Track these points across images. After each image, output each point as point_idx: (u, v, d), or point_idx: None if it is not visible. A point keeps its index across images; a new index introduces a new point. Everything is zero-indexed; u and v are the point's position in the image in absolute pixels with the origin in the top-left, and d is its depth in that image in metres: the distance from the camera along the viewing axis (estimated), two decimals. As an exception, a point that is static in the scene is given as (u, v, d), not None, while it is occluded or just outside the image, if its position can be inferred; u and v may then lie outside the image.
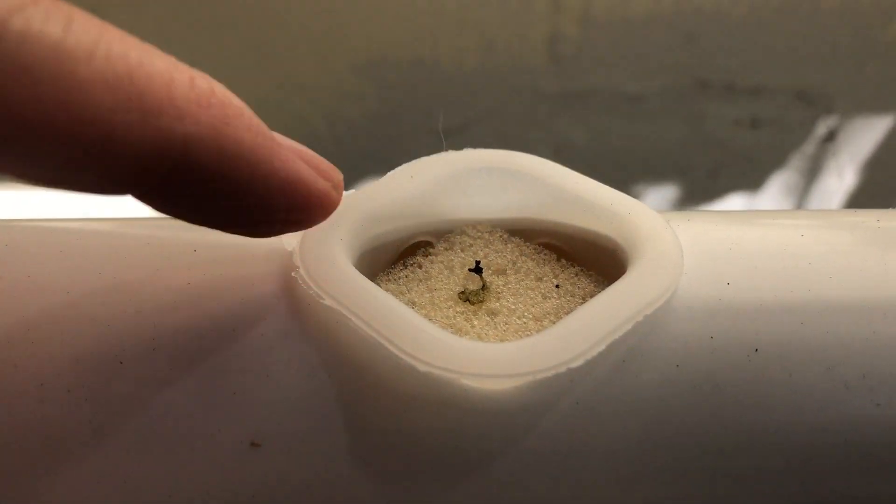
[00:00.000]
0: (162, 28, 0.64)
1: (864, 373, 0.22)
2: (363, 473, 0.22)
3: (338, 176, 0.22)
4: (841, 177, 0.76)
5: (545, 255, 0.26)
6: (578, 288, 0.25)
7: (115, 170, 0.17)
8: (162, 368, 0.22)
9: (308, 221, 0.21)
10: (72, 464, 0.21)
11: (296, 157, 0.20)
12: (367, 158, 0.70)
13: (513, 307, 0.25)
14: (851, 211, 0.27)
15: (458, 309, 0.24)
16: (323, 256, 0.23)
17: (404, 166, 0.26)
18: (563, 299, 0.25)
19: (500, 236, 0.27)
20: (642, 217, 0.25)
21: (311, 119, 0.69)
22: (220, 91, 0.18)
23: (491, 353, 0.21)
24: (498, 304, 0.25)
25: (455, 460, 0.22)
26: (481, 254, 0.26)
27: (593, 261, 0.26)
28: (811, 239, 0.25)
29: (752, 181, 0.76)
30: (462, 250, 0.26)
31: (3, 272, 0.24)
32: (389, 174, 0.26)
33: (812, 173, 0.76)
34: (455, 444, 0.22)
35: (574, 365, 0.21)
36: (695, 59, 0.69)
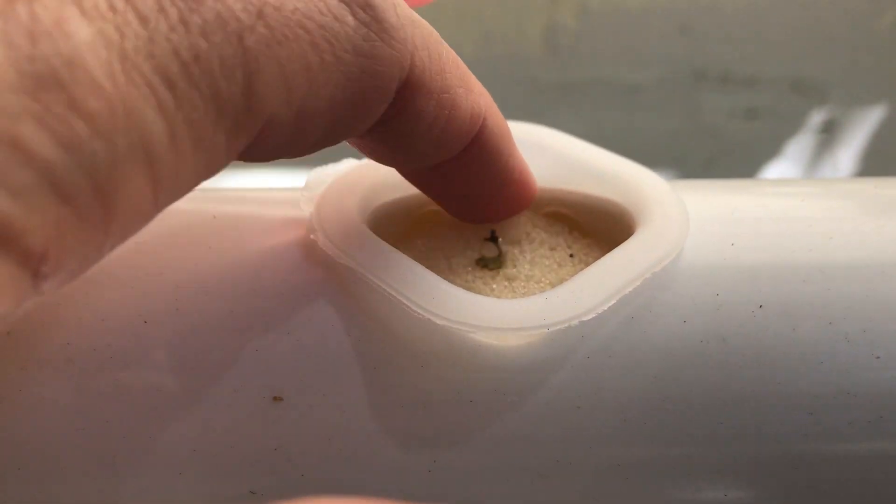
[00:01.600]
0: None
1: (864, 327, 0.23)
2: (381, 427, 0.22)
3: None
4: (836, 166, 0.77)
5: (557, 227, 0.27)
6: (591, 258, 0.26)
7: (447, 134, 0.22)
8: (185, 327, 0.23)
9: (516, 211, 0.26)
10: (98, 422, 0.22)
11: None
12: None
13: (529, 273, 0.25)
14: (850, 178, 0.28)
15: (476, 274, 0.25)
16: (340, 220, 0.23)
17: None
18: (577, 267, 0.25)
19: None
20: (648, 182, 0.25)
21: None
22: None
23: (505, 307, 0.22)
24: (515, 270, 0.25)
25: (470, 414, 0.22)
26: (495, 224, 0.27)
27: (601, 227, 0.27)
28: (811, 204, 0.26)
29: (747, 171, 0.77)
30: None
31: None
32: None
33: (807, 163, 0.77)
34: (470, 398, 0.22)
35: (586, 318, 0.21)
36: (691, 50, 0.70)
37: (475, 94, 0.22)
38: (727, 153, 0.76)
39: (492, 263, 0.25)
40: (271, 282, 0.23)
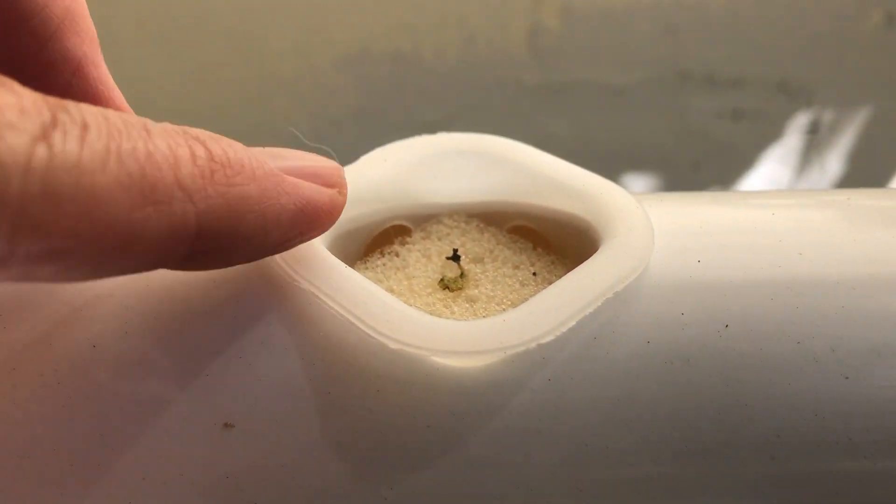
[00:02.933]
0: (142, 27, 0.64)
1: (832, 346, 0.22)
2: (336, 454, 0.22)
3: (339, 173, 0.23)
4: (823, 167, 0.76)
5: (521, 244, 0.27)
6: (555, 276, 0.25)
7: (139, 260, 0.18)
8: (135, 351, 0.22)
9: (320, 231, 0.22)
10: (44, 448, 0.21)
11: (298, 178, 0.21)
12: (349, 153, 0.70)
13: (491, 294, 0.25)
14: (822, 190, 0.27)
15: (437, 296, 0.25)
16: (295, 238, 0.23)
17: (378, 150, 0.26)
18: (540, 286, 0.25)
19: (477, 225, 0.27)
20: (613, 197, 0.25)
21: (292, 115, 0.69)
22: (217, 150, 0.19)
23: (461, 329, 0.21)
24: (476, 290, 0.25)
25: (428, 439, 0.22)
26: (458, 242, 0.26)
27: (567, 241, 0.26)
28: (781, 217, 0.26)
29: (734, 173, 0.77)
30: (439, 239, 0.26)
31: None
32: (363, 158, 0.26)
33: (795, 164, 0.76)
34: (427, 423, 0.22)
35: (544, 341, 0.21)
36: (675, 52, 0.70)
37: (175, 203, 0.18)
38: (714, 155, 0.76)
39: (453, 284, 0.25)
40: (224, 304, 0.23)
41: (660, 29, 0.68)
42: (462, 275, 0.25)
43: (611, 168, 0.74)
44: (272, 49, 0.66)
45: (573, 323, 0.21)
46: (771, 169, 0.76)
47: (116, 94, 0.24)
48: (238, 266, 0.23)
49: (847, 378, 0.22)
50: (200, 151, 0.18)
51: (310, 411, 0.22)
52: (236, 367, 0.22)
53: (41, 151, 0.15)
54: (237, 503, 0.22)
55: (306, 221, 0.21)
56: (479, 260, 0.26)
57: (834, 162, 0.75)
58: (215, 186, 0.18)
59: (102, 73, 0.24)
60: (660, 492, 0.23)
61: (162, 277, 0.23)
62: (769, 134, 0.75)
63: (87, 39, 0.23)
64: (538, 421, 0.22)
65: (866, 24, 0.69)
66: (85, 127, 0.16)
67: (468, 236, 0.26)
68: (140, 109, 0.63)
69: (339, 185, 0.22)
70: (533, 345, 0.21)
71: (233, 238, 0.19)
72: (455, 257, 0.25)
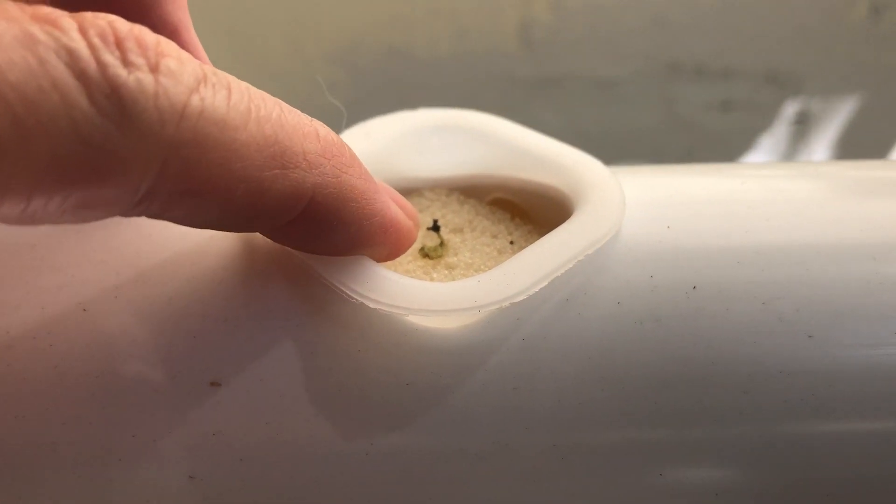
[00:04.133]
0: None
1: (798, 307, 0.23)
2: (321, 412, 0.23)
3: (414, 212, 0.25)
4: (811, 156, 0.77)
5: (500, 215, 0.27)
6: (531, 244, 0.26)
7: (257, 216, 0.19)
8: (124, 314, 0.23)
9: (392, 252, 0.24)
10: (37, 407, 0.22)
11: (389, 198, 0.23)
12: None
13: (469, 261, 0.25)
14: (792, 163, 0.28)
15: (417, 263, 0.25)
16: (279, 206, 0.24)
17: (360, 125, 0.27)
18: (517, 254, 0.26)
19: (457, 198, 0.28)
20: (587, 167, 0.26)
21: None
22: (336, 140, 0.21)
23: (438, 290, 0.22)
24: (455, 258, 0.26)
25: (408, 397, 0.23)
26: (439, 214, 0.27)
27: (544, 212, 0.27)
28: (752, 186, 0.26)
29: (723, 162, 0.77)
30: (420, 211, 0.27)
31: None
32: (346, 132, 0.27)
33: (783, 153, 0.77)
34: (407, 381, 0.23)
35: (517, 300, 0.22)
36: (665, 43, 0.70)
37: (298, 171, 0.19)
38: (704, 145, 0.76)
39: (433, 252, 0.25)
40: (210, 269, 0.24)
41: (650, 21, 0.69)
42: (442, 244, 0.26)
43: (601, 158, 0.75)
44: (264, 43, 0.67)
45: (545, 283, 0.22)
46: (760, 158, 0.77)
47: (206, 58, 0.25)
48: (223, 234, 0.24)
49: (811, 337, 0.23)
50: (323, 132, 0.20)
51: (294, 370, 0.23)
52: (222, 328, 0.23)
53: (195, 101, 0.17)
54: (224, 459, 0.22)
55: (388, 235, 0.23)
56: (458, 230, 0.27)
57: (822, 151, 0.76)
58: (332, 167, 0.20)
59: (194, 37, 0.25)
60: (633, 448, 0.23)
61: (151, 244, 0.24)
62: (758, 124, 0.75)
63: (180, 5, 0.24)
64: (514, 379, 0.23)
65: (853, 15, 0.69)
66: (229, 88, 0.18)
67: (448, 208, 0.27)
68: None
69: (416, 222, 0.24)
70: (506, 303, 0.21)
71: (333, 219, 0.21)
72: (435, 227, 0.26)
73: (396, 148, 0.27)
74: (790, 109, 0.74)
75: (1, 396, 0.22)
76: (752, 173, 0.28)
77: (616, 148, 0.76)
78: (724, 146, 0.77)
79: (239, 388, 0.22)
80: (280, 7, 0.65)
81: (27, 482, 0.22)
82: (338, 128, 0.27)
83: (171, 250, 0.24)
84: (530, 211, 0.27)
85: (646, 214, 0.25)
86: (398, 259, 0.25)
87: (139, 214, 0.18)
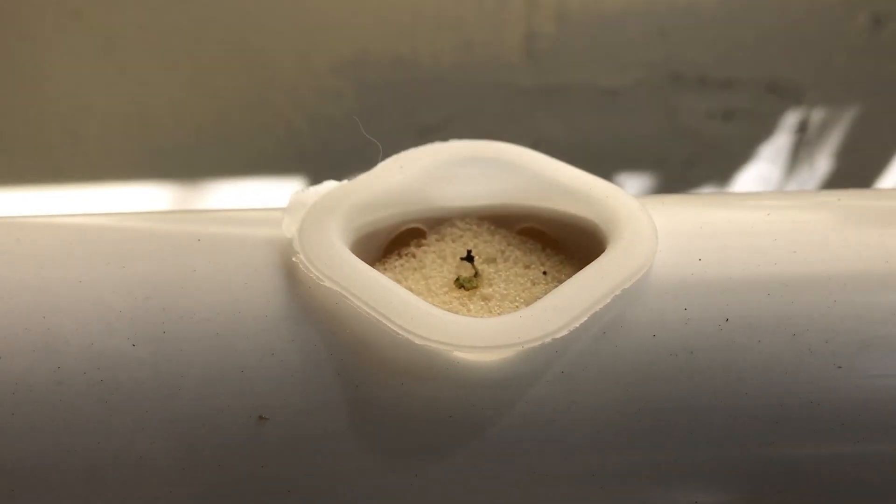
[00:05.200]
0: (143, 29, 0.65)
1: (826, 338, 0.24)
2: (364, 444, 0.23)
3: None
4: (812, 165, 0.78)
5: (531, 244, 0.28)
6: (564, 275, 0.27)
7: None
8: (172, 350, 0.23)
9: None
10: (88, 442, 0.23)
11: None
12: (348, 156, 0.71)
13: (504, 292, 0.26)
14: (814, 192, 0.29)
15: (453, 294, 0.26)
16: (321, 242, 0.24)
17: (393, 157, 0.27)
18: (550, 285, 0.26)
19: (488, 227, 0.28)
20: (619, 200, 0.26)
21: (292, 118, 0.70)
22: None
23: (481, 326, 0.22)
24: (490, 289, 0.26)
25: (450, 430, 0.23)
26: (471, 244, 0.28)
27: (574, 242, 0.27)
28: (776, 217, 0.27)
29: (726, 171, 0.78)
30: (453, 241, 0.28)
31: (16, 265, 0.25)
32: (380, 165, 0.27)
33: (784, 163, 0.78)
34: (449, 415, 0.23)
35: (558, 335, 0.22)
36: (668, 54, 0.71)
37: None
38: (705, 154, 0.77)
39: (468, 283, 0.26)
40: (256, 304, 0.24)
41: (652, 32, 0.70)
42: (476, 274, 0.26)
43: (605, 167, 0.76)
44: (271, 54, 0.67)
45: (585, 318, 0.23)
46: (761, 167, 0.77)
47: None
48: (267, 269, 0.25)
49: (840, 368, 0.24)
50: None
51: (339, 404, 0.23)
52: (269, 362, 0.23)
53: None
54: (273, 491, 0.23)
55: None
56: (491, 260, 0.27)
57: (823, 160, 0.77)
58: None
59: None
60: (667, 476, 0.24)
61: (195, 280, 0.25)
62: (760, 133, 0.76)
63: None
64: (552, 411, 0.23)
65: (854, 26, 0.70)
66: None
67: (480, 238, 0.28)
68: (141, 114, 0.64)
69: None
70: (548, 339, 0.22)
71: None
72: (469, 258, 0.27)
73: (428, 179, 0.27)
74: (791, 119, 0.75)
75: (54, 429, 0.23)
76: (776, 204, 0.29)
77: (618, 156, 0.76)
78: (726, 155, 0.77)
79: (286, 421, 0.23)
80: (287, 19, 0.66)
81: (80, 515, 0.23)
82: (373, 161, 0.28)
83: (217, 286, 0.24)
84: (560, 240, 0.28)
85: (676, 247, 0.26)
86: (434, 290, 0.26)
87: None
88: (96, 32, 0.64)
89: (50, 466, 0.23)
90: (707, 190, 0.77)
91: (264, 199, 0.72)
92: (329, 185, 0.27)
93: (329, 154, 0.75)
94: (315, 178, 0.70)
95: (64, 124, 0.69)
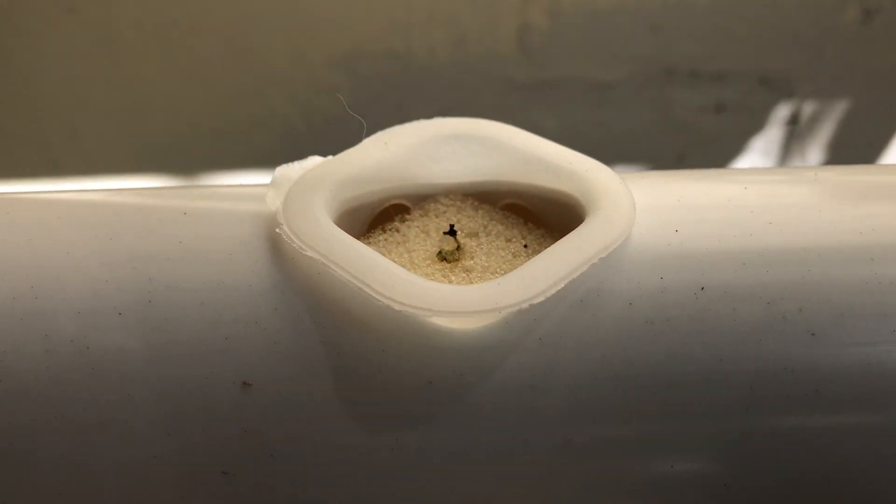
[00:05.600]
0: (139, 25, 0.65)
1: (800, 307, 0.24)
2: (347, 410, 0.24)
3: None
4: (804, 158, 0.78)
5: (513, 219, 0.28)
6: (544, 247, 0.27)
7: None
8: (158, 318, 0.24)
9: None
10: (75, 408, 0.23)
11: None
12: (343, 148, 0.72)
13: (486, 265, 0.27)
14: (792, 168, 0.29)
15: (436, 267, 0.26)
16: (305, 213, 0.25)
17: (378, 134, 0.28)
18: (531, 257, 0.27)
19: (472, 203, 0.29)
20: (598, 174, 0.27)
21: (287, 113, 0.70)
22: None
23: (460, 292, 0.23)
24: (472, 262, 0.27)
25: (430, 395, 0.24)
26: (454, 219, 0.28)
27: (556, 217, 0.28)
28: (753, 192, 0.28)
29: (718, 164, 0.79)
30: (436, 216, 0.28)
31: (5, 238, 0.25)
32: (365, 141, 0.28)
33: (777, 155, 0.78)
34: (430, 380, 0.24)
35: (535, 301, 0.23)
36: (660, 48, 0.71)
37: None
38: (698, 147, 0.78)
39: (450, 256, 0.26)
40: (240, 274, 0.25)
41: (645, 26, 0.70)
42: (458, 248, 0.27)
43: (599, 160, 0.76)
44: (267, 49, 0.68)
45: (561, 286, 0.23)
46: (754, 160, 0.78)
47: None
48: (251, 240, 0.25)
49: (813, 335, 0.24)
50: None
51: (322, 370, 0.24)
52: (253, 331, 0.24)
53: None
54: (256, 455, 0.23)
55: None
56: (474, 234, 0.28)
57: (814, 152, 0.77)
58: None
59: None
60: (643, 443, 0.25)
61: (181, 251, 0.25)
62: (752, 126, 0.77)
63: None
64: (531, 378, 0.24)
65: (844, 19, 0.71)
66: None
67: (463, 213, 0.28)
68: (138, 108, 0.64)
69: None
70: (525, 305, 0.23)
71: None
72: (451, 232, 0.27)
73: (413, 156, 0.28)
74: (783, 111, 0.75)
75: (41, 398, 0.23)
76: (754, 178, 0.29)
77: (612, 149, 0.77)
78: (718, 147, 0.78)
79: (269, 388, 0.24)
80: (281, 14, 0.66)
81: (67, 480, 0.23)
82: (357, 137, 0.28)
83: (202, 257, 0.25)
84: (542, 215, 0.28)
85: (654, 219, 0.26)
86: (417, 262, 0.26)
87: None
88: (92, 27, 0.64)
89: (39, 433, 0.23)
90: (699, 182, 0.77)
91: (259, 191, 0.73)
92: (314, 161, 0.27)
93: (324, 149, 0.76)
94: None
95: (60, 119, 0.69)
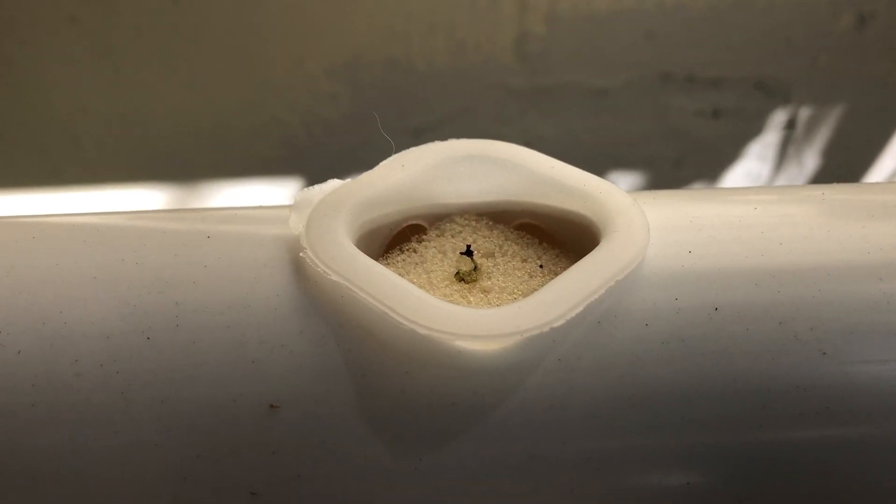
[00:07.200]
0: (139, 33, 0.65)
1: (811, 326, 0.25)
2: (372, 431, 0.24)
3: None
4: (800, 162, 0.79)
5: (528, 239, 0.29)
6: (560, 268, 0.28)
7: None
8: (185, 341, 0.24)
9: None
10: (105, 431, 0.24)
11: None
12: (343, 158, 0.72)
13: (503, 285, 0.27)
14: (800, 186, 0.30)
15: (454, 287, 0.27)
16: (327, 238, 0.25)
17: (395, 156, 0.29)
18: (546, 277, 0.27)
19: (487, 223, 0.29)
20: (612, 195, 0.27)
21: (288, 121, 0.71)
22: None
23: (482, 316, 0.24)
24: (489, 282, 0.27)
25: (453, 416, 0.24)
26: (470, 239, 0.29)
27: (570, 237, 0.29)
28: (763, 211, 0.28)
29: (715, 169, 0.79)
30: (452, 236, 0.29)
31: (33, 262, 0.26)
32: (382, 163, 0.28)
33: (773, 160, 0.79)
34: (452, 401, 0.24)
35: (556, 325, 0.23)
36: (657, 54, 0.72)
37: None
38: (695, 152, 0.78)
39: (468, 277, 0.27)
40: (265, 298, 0.25)
41: (641, 33, 0.71)
42: (475, 268, 0.27)
43: (596, 166, 0.76)
44: (267, 58, 0.68)
45: (581, 308, 0.24)
46: (750, 164, 0.79)
47: None
48: (276, 264, 0.26)
49: (825, 354, 0.25)
50: None
51: (347, 393, 0.24)
52: (279, 353, 0.24)
53: None
54: (284, 476, 0.24)
55: None
56: (490, 255, 0.28)
57: (810, 157, 0.78)
58: None
59: None
60: (660, 459, 0.25)
61: (207, 275, 0.25)
62: (748, 131, 0.77)
63: None
64: (550, 398, 0.25)
65: (839, 25, 0.72)
66: None
67: (479, 233, 0.29)
68: (139, 115, 0.65)
69: None
70: (546, 328, 0.23)
71: None
72: (468, 252, 0.28)
73: (429, 177, 0.28)
74: (779, 117, 0.76)
75: (72, 422, 0.24)
76: (763, 198, 0.30)
77: (609, 155, 0.77)
78: (715, 152, 0.79)
79: (295, 409, 0.24)
80: (281, 22, 0.67)
81: (98, 502, 0.24)
82: (368, 161, 0.29)
83: (228, 280, 0.25)
84: (556, 235, 0.29)
85: (668, 240, 0.27)
86: (435, 283, 0.27)
87: None
88: (93, 37, 0.65)
89: (69, 456, 0.24)
90: (697, 187, 0.78)
91: (261, 200, 0.73)
92: (334, 184, 0.28)
93: (324, 156, 0.76)
94: (311, 180, 0.71)
95: (61, 128, 0.70)
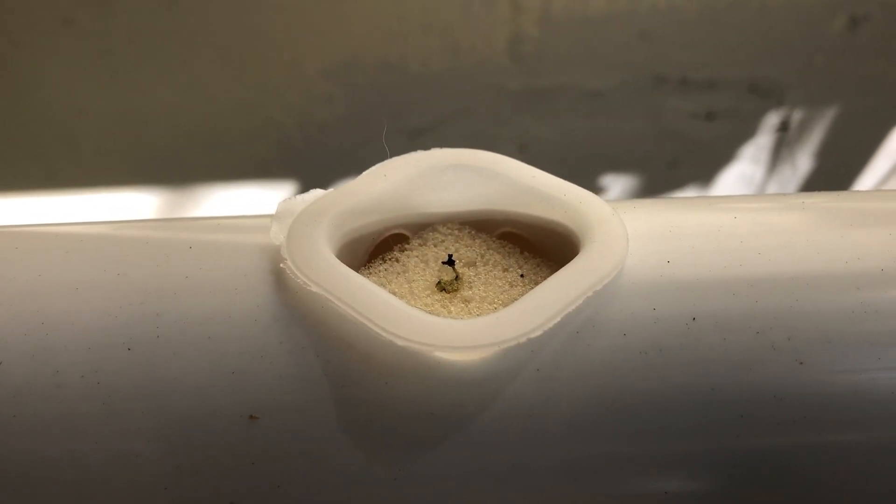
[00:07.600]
0: (135, 35, 0.65)
1: (789, 335, 0.25)
2: (351, 441, 0.24)
3: None
4: (793, 164, 0.79)
5: (510, 248, 0.29)
6: (541, 277, 0.28)
7: None
8: (166, 352, 0.25)
9: None
10: (86, 441, 0.24)
11: None
12: (338, 160, 0.72)
13: (484, 294, 0.27)
14: (780, 195, 0.30)
15: (435, 297, 0.27)
16: (308, 249, 0.25)
17: (378, 166, 0.29)
18: (527, 287, 0.27)
19: (469, 232, 0.30)
20: (592, 205, 0.27)
21: (282, 122, 0.71)
22: None
23: (461, 327, 0.24)
24: (470, 292, 0.27)
25: (432, 426, 0.24)
26: (452, 248, 0.29)
27: (551, 246, 0.29)
28: (742, 221, 0.28)
29: (709, 171, 0.80)
30: (435, 245, 0.29)
31: (16, 273, 0.26)
32: (364, 173, 0.28)
33: (766, 162, 0.79)
34: (431, 412, 0.24)
35: (533, 335, 0.23)
36: (651, 56, 0.72)
37: None
38: (689, 154, 0.78)
39: (449, 286, 0.27)
40: (246, 309, 0.25)
41: (635, 35, 0.71)
42: (457, 278, 0.27)
43: (590, 168, 0.77)
44: (263, 60, 0.68)
45: (559, 319, 0.24)
46: (744, 167, 0.79)
47: None
48: (256, 275, 0.26)
49: (802, 363, 0.25)
50: None
51: (326, 403, 0.24)
52: (259, 364, 0.24)
53: None
54: (263, 487, 0.24)
55: None
56: (471, 264, 0.28)
57: (804, 159, 0.78)
58: None
59: None
60: (638, 468, 0.25)
61: (188, 286, 0.26)
62: (742, 133, 0.78)
63: None
64: (529, 407, 0.25)
65: (832, 27, 0.72)
66: None
67: (461, 242, 0.29)
68: (135, 118, 0.65)
69: None
70: (524, 339, 0.23)
71: None
72: (450, 262, 0.28)
73: (412, 186, 0.29)
74: (773, 119, 0.76)
75: (54, 432, 0.24)
76: (742, 206, 0.30)
77: (603, 156, 0.78)
78: (709, 154, 0.79)
79: (275, 420, 0.24)
80: (277, 25, 0.67)
81: (80, 511, 0.24)
82: (364, 164, 0.29)
83: (209, 291, 0.26)
84: (538, 244, 0.29)
85: (647, 249, 0.27)
86: (417, 293, 0.27)
87: None
88: (89, 39, 0.65)
89: (50, 467, 0.24)
90: (691, 189, 0.78)
91: (256, 202, 0.73)
92: (315, 193, 0.28)
93: (320, 158, 0.77)
94: (306, 182, 0.71)
95: (57, 130, 0.70)
